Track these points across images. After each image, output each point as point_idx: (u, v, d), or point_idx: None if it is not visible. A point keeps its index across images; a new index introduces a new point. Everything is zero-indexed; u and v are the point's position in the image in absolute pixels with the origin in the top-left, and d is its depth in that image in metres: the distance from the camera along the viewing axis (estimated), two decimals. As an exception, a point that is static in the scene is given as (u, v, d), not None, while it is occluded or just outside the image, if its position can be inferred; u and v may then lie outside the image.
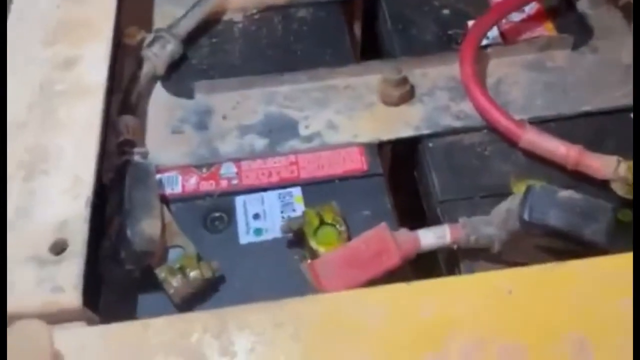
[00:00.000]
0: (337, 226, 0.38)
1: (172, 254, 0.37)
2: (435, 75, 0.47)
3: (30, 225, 0.29)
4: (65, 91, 0.34)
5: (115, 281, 0.34)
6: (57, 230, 0.29)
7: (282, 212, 0.41)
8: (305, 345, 0.25)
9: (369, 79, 0.47)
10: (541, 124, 0.43)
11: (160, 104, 0.46)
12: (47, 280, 0.27)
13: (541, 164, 0.42)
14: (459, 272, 0.37)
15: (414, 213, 0.44)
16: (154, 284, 0.36)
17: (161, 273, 0.36)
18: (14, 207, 0.30)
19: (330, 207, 0.39)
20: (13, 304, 0.27)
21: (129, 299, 0.34)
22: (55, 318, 0.27)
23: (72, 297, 0.27)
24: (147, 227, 0.35)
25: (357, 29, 0.59)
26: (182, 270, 0.36)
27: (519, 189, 0.39)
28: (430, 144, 0.44)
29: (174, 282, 0.36)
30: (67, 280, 0.27)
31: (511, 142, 0.43)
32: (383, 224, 0.35)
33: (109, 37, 0.37)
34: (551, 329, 0.25)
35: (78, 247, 0.28)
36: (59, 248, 0.29)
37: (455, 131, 0.44)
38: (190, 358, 0.24)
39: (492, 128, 0.43)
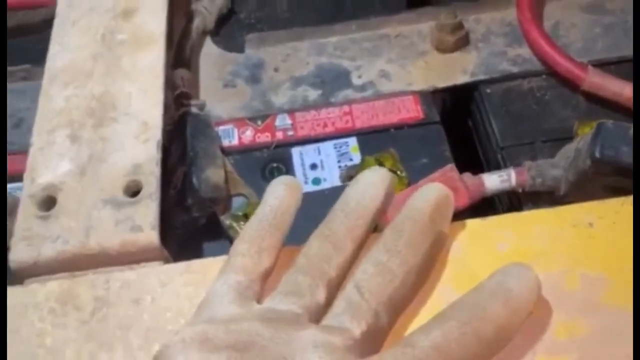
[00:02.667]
0: (398, 172, 0.37)
1: (236, 202, 0.37)
2: (489, 20, 0.46)
3: (104, 169, 0.30)
4: (127, 40, 0.34)
5: (182, 228, 0.35)
6: (131, 173, 0.29)
7: (338, 161, 0.41)
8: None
9: (421, 26, 0.46)
10: (602, 67, 0.42)
11: (211, 58, 0.46)
12: (125, 221, 0.28)
13: (605, 107, 0.41)
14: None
15: (468, 162, 0.44)
16: (218, 231, 0.36)
17: (226, 220, 0.36)
18: (87, 154, 0.30)
19: (389, 153, 0.38)
20: (94, 244, 0.27)
21: (194, 246, 0.34)
22: (134, 257, 0.28)
23: (150, 235, 0.27)
24: (212, 175, 0.35)
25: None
26: (246, 217, 0.36)
27: (584, 131, 0.38)
28: (488, 90, 0.43)
29: (239, 229, 0.36)
30: (144, 220, 0.28)
31: (573, 86, 0.41)
32: (450, 165, 0.35)
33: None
34: (630, 258, 0.25)
35: (152, 188, 0.29)
36: (133, 190, 0.29)
37: (513, 76, 0.43)
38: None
39: (552, 72, 0.42)
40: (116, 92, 0.32)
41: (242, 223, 0.36)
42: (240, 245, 0.24)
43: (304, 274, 0.23)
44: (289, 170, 0.41)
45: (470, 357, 0.22)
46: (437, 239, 0.25)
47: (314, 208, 0.39)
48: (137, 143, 0.30)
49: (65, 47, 0.34)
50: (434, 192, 0.25)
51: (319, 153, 0.41)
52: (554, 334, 0.24)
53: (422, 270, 0.24)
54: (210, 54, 0.46)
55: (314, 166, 0.41)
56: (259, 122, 0.43)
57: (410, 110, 0.42)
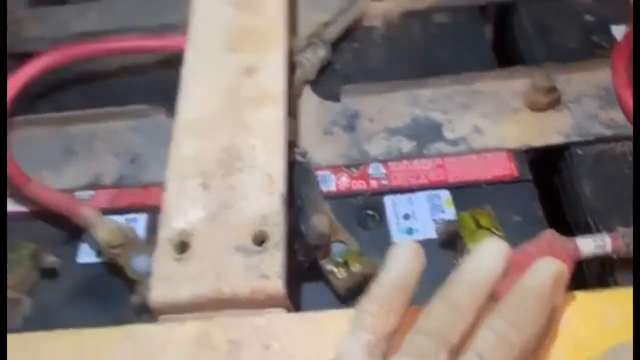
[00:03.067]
0: (494, 230, 0.39)
1: (336, 248, 0.40)
2: (581, 82, 0.47)
3: (233, 218, 0.32)
4: (250, 96, 0.37)
5: (287, 270, 0.37)
6: (257, 223, 0.32)
7: (431, 213, 0.43)
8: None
9: (514, 84, 0.47)
10: None
11: (310, 106, 0.49)
12: (254, 269, 0.30)
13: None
14: (614, 283, 0.38)
15: (554, 221, 0.45)
16: (317, 274, 0.39)
17: (327, 265, 0.38)
18: (217, 202, 0.33)
19: (485, 211, 0.40)
20: (226, 289, 0.30)
21: (296, 288, 0.36)
22: (261, 303, 0.30)
23: (277, 284, 0.30)
24: (318, 222, 0.37)
25: (487, 33, 0.59)
26: (346, 264, 0.39)
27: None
28: (580, 152, 0.44)
29: (339, 275, 0.38)
30: (271, 269, 0.30)
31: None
32: (550, 230, 0.36)
33: (283, 46, 0.40)
34: None
35: (278, 238, 0.31)
36: (260, 239, 0.32)
37: (606, 139, 0.44)
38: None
39: (646, 136, 0.43)
40: (242, 144, 0.35)
41: (341, 269, 0.38)
42: (369, 305, 0.27)
43: (427, 337, 0.25)
44: (382, 218, 0.43)
45: None
46: (551, 311, 0.26)
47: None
48: (263, 195, 0.33)
49: (194, 100, 0.37)
50: (553, 267, 0.26)
51: (412, 203, 0.43)
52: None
53: (537, 340, 0.26)
54: (309, 102, 0.49)
55: (406, 216, 0.43)
56: (355, 170, 0.45)
57: (503, 167, 0.44)
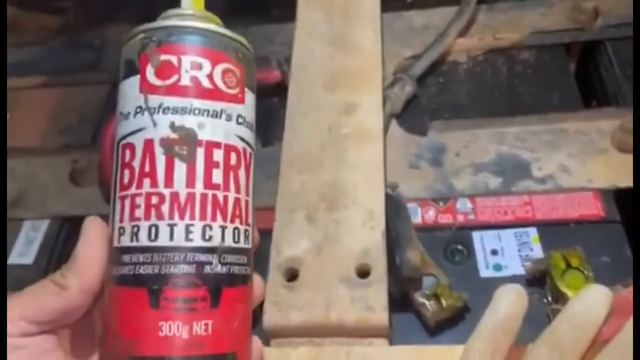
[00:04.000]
0: (585, 271, 0.40)
1: (426, 281, 0.41)
2: (671, 123, 0.47)
3: (338, 250, 0.35)
4: (350, 134, 0.39)
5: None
6: (361, 257, 0.34)
7: (519, 250, 0.44)
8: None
9: (601, 124, 0.48)
10: None
11: (397, 139, 0.51)
12: (360, 300, 0.32)
13: None
14: None
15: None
16: (408, 307, 0.40)
17: (419, 298, 0.40)
18: (322, 234, 0.35)
19: (575, 251, 0.41)
20: (334, 318, 0.32)
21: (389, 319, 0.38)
22: (365, 332, 0.32)
23: (382, 317, 0.32)
24: (412, 256, 0.39)
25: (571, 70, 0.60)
26: (436, 296, 0.40)
27: None
28: (670, 194, 0.44)
29: (430, 307, 0.40)
30: (376, 301, 0.32)
31: None
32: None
33: (380, 84, 0.42)
34: None
35: (380, 272, 0.33)
36: (363, 272, 0.34)
37: (697, 183, 0.44)
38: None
39: None
40: (344, 180, 0.37)
41: (432, 302, 0.40)
42: (478, 344, 0.28)
43: None
44: (470, 252, 0.44)
45: None
46: None
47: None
48: (365, 229, 0.35)
49: (298, 137, 0.40)
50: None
51: (500, 240, 0.44)
52: None
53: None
54: (395, 135, 0.51)
55: (494, 252, 0.44)
56: (441, 204, 0.47)
57: (591, 207, 0.44)
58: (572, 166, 0.47)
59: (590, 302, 0.28)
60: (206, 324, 0.23)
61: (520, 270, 0.42)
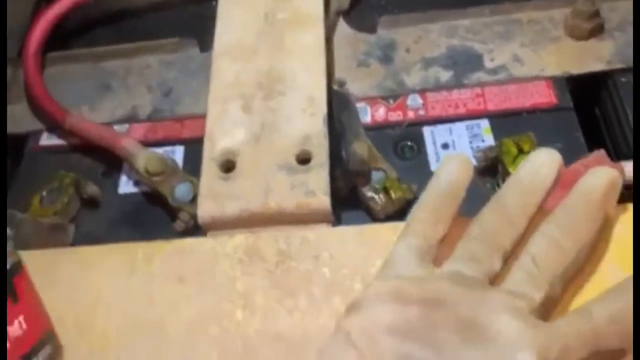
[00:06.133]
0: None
1: (375, 175, 0.40)
2: (626, 9, 0.46)
3: (276, 138, 0.32)
4: (288, 20, 0.36)
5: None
6: (301, 144, 0.32)
7: (470, 142, 0.42)
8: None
9: (553, 13, 0.46)
10: None
11: (345, 38, 0.48)
12: (300, 186, 0.30)
13: None
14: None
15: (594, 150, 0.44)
16: (356, 202, 0.39)
17: (367, 192, 0.38)
18: (260, 123, 0.33)
19: (527, 137, 0.39)
20: (273, 205, 0.30)
21: (336, 215, 0.36)
22: (306, 218, 0.30)
23: (323, 200, 0.30)
24: (359, 148, 0.37)
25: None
26: (385, 190, 0.39)
27: None
28: (624, 79, 0.43)
29: (379, 201, 0.38)
30: (317, 186, 0.30)
31: None
32: (602, 151, 0.36)
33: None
34: None
35: (322, 158, 0.31)
36: (304, 159, 0.32)
37: (650, 66, 0.43)
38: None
39: (692, 62, 0.42)
40: (281, 67, 0.35)
41: (381, 195, 0.38)
42: (419, 213, 0.27)
43: (480, 244, 0.25)
44: (420, 148, 0.42)
45: (645, 330, 0.23)
46: (604, 219, 0.26)
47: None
48: (305, 116, 0.33)
49: (231, 26, 0.37)
50: (606, 175, 0.26)
51: (451, 133, 0.43)
52: None
53: (590, 247, 0.26)
54: (343, 33, 0.48)
55: (445, 145, 0.42)
56: (391, 101, 0.45)
57: (544, 95, 0.43)
58: (524, 56, 0.45)
59: (538, 164, 0.27)
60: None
61: (472, 162, 0.41)
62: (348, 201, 0.39)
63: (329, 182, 0.31)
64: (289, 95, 0.34)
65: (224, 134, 0.33)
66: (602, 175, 0.26)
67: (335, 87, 0.42)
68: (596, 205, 0.25)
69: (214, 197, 0.31)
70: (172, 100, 0.46)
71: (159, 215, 0.41)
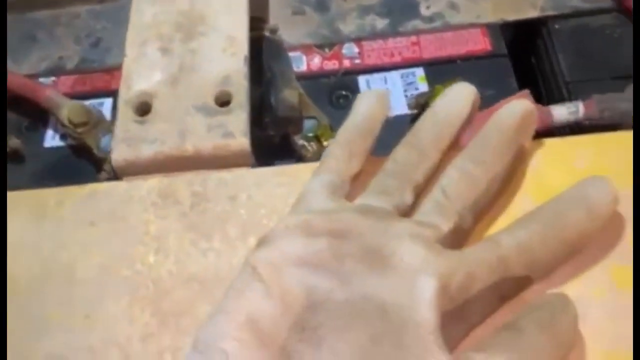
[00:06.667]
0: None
1: (307, 124, 0.39)
2: (561, -44, 0.45)
3: (194, 79, 0.31)
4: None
5: (256, 146, 0.36)
6: (220, 84, 0.31)
7: (405, 90, 0.42)
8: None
9: (491, -40, 0.46)
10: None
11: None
12: (217, 127, 0.30)
13: (675, 46, 0.40)
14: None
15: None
16: (289, 151, 0.38)
17: (299, 140, 0.38)
18: (178, 65, 0.32)
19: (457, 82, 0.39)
20: (189, 147, 0.29)
21: (267, 163, 0.36)
22: (226, 161, 0.29)
23: (242, 142, 0.29)
24: (288, 95, 0.36)
25: None
26: (317, 138, 0.38)
27: (655, 67, 0.38)
28: (557, 26, 0.43)
29: (311, 148, 0.38)
30: (236, 127, 0.30)
31: (644, 23, 0.41)
32: (526, 91, 0.36)
33: None
34: None
35: (242, 99, 0.30)
36: (222, 100, 0.31)
37: (583, 13, 0.43)
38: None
39: (623, 9, 0.42)
40: (201, 8, 0.33)
41: (313, 144, 0.38)
42: (333, 149, 0.26)
43: (392, 178, 0.25)
44: (355, 97, 0.42)
45: (550, 257, 0.23)
46: (518, 152, 0.26)
47: (381, 135, 0.41)
48: (225, 56, 0.32)
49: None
50: (521, 106, 0.26)
51: (386, 82, 0.42)
52: (628, 243, 0.25)
53: (502, 179, 0.26)
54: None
55: (380, 94, 0.42)
56: (326, 50, 0.44)
57: (478, 43, 0.43)
58: (460, 3, 0.44)
59: (453, 96, 0.27)
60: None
61: (406, 111, 0.41)
62: (280, 150, 0.39)
63: (248, 124, 0.30)
64: (209, 36, 0.32)
65: (140, 76, 0.31)
66: (516, 107, 0.26)
67: (267, 34, 0.41)
68: (509, 137, 0.25)
69: (128, 141, 0.30)
70: (100, 51, 0.45)
71: (85, 169, 0.40)
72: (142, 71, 0.32)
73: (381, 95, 0.27)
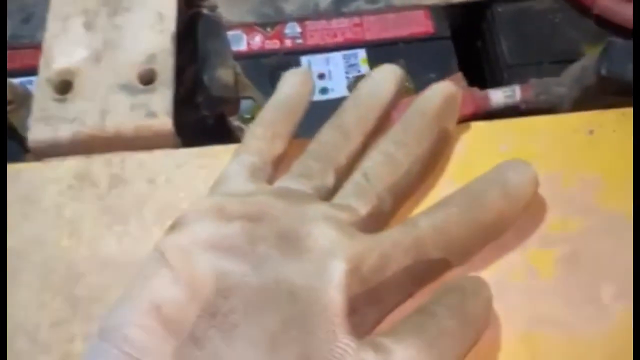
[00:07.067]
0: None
1: (244, 104, 0.38)
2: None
3: (119, 57, 0.30)
4: None
5: (190, 128, 0.35)
6: (145, 62, 0.30)
7: (346, 72, 0.41)
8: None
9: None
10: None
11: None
12: (140, 107, 0.28)
13: (614, 32, 0.41)
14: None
15: (475, 81, 0.44)
16: (225, 133, 0.37)
17: (235, 122, 0.37)
18: (102, 41, 0.30)
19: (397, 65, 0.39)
20: (110, 127, 0.28)
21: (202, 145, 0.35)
22: (149, 142, 0.28)
23: (165, 121, 0.28)
24: (223, 74, 0.35)
25: None
26: (254, 119, 0.37)
27: (593, 52, 0.38)
28: (500, 9, 0.43)
29: (247, 129, 0.37)
30: (159, 106, 0.28)
31: (584, 9, 0.41)
32: (459, 73, 0.35)
33: None
34: (629, 166, 0.26)
35: (167, 77, 0.29)
36: (147, 79, 0.29)
37: (526, -4, 0.43)
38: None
39: (564, -6, 0.42)
40: (130, -18, 0.32)
41: (250, 125, 0.37)
42: (256, 129, 0.25)
43: (314, 160, 0.25)
44: (297, 78, 0.41)
45: (467, 240, 0.23)
46: (442, 135, 0.26)
47: (321, 117, 0.41)
48: (152, 33, 0.30)
49: None
50: (443, 89, 0.26)
51: (328, 63, 0.42)
52: (547, 228, 0.25)
53: (426, 162, 0.25)
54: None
55: (321, 76, 0.41)
56: (268, 29, 0.43)
57: (422, 25, 0.42)
58: (405, -16, 0.44)
59: (377, 79, 0.26)
60: None
61: (347, 93, 0.40)
62: (216, 132, 0.38)
63: (173, 103, 0.29)
64: (136, 12, 0.31)
65: (61, 53, 0.30)
66: (438, 89, 0.25)
67: (205, 11, 0.40)
68: (431, 118, 0.25)
69: (46, 120, 0.28)
70: (32, 27, 0.43)
71: (10, 150, 0.38)
72: (64, 47, 0.30)
73: (305, 75, 0.27)
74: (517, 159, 0.24)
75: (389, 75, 0.26)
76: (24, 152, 0.37)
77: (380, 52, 0.42)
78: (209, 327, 0.20)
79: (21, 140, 0.37)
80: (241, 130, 0.37)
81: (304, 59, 0.42)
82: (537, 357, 0.23)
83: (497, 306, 0.23)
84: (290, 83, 0.26)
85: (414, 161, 0.24)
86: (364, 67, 0.41)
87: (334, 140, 0.25)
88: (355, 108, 0.25)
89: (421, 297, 0.23)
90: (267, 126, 0.25)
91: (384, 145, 0.24)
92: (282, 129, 0.25)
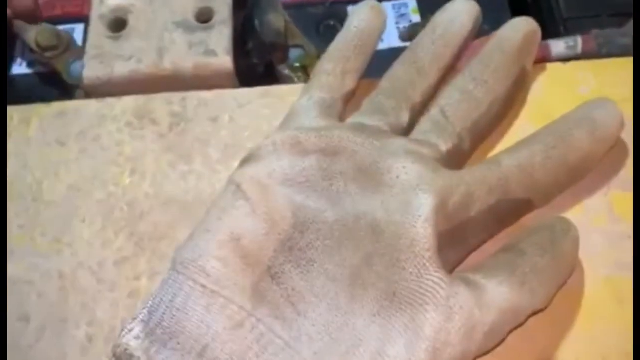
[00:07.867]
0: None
1: (293, 53, 0.37)
2: None
3: (174, -6, 0.29)
4: None
5: (239, 75, 0.34)
6: (202, 0, 0.28)
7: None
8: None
9: None
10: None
11: None
12: (199, 45, 0.27)
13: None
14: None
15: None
16: (274, 80, 0.36)
17: (284, 70, 0.36)
18: (156, -24, 0.29)
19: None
20: (168, 65, 0.27)
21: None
22: (207, 81, 0.27)
23: (224, 60, 0.27)
24: (274, 19, 0.34)
25: None
26: (304, 69, 0.36)
27: (657, 3, 0.36)
28: (557, -42, 0.41)
29: (297, 80, 0.36)
30: (219, 45, 0.27)
31: (646, -41, 0.39)
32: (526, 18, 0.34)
33: None
34: None
35: (225, 15, 0.28)
36: (205, 17, 0.28)
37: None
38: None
39: (626, -57, 0.40)
40: None
41: (299, 74, 0.36)
42: (325, 64, 0.24)
43: (388, 97, 0.23)
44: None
45: (552, 180, 0.22)
46: (521, 74, 0.24)
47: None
48: (208, -30, 0.29)
49: None
50: (525, 24, 0.24)
51: (377, 13, 0.40)
52: (628, 172, 0.24)
53: (505, 102, 0.24)
54: None
55: (370, 26, 0.40)
56: (315, -22, 0.41)
57: (474, -25, 0.40)
58: None
59: (454, 13, 0.25)
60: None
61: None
62: (264, 81, 0.37)
63: (232, 41, 0.28)
64: (192, -52, 0.30)
65: (114, -11, 0.29)
66: (519, 26, 0.24)
67: (252, -43, 0.39)
68: (512, 57, 0.24)
69: (101, 58, 0.27)
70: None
71: (55, 97, 0.37)
72: (115, -16, 0.29)
73: (376, 7, 0.25)
74: (603, 98, 0.23)
75: (466, 8, 0.25)
76: (68, 97, 0.36)
77: (431, 1, 0.40)
78: (285, 262, 0.19)
79: (66, 87, 0.36)
80: (290, 79, 0.36)
81: (351, 9, 0.40)
82: (623, 301, 0.22)
83: (579, 249, 0.22)
84: (360, 17, 0.25)
85: (494, 100, 0.23)
86: (415, 17, 0.39)
87: (408, 77, 0.24)
88: (431, 43, 0.24)
89: (502, 238, 0.22)
90: (337, 61, 0.24)
91: (462, 83, 0.23)
92: (352, 65, 0.24)
